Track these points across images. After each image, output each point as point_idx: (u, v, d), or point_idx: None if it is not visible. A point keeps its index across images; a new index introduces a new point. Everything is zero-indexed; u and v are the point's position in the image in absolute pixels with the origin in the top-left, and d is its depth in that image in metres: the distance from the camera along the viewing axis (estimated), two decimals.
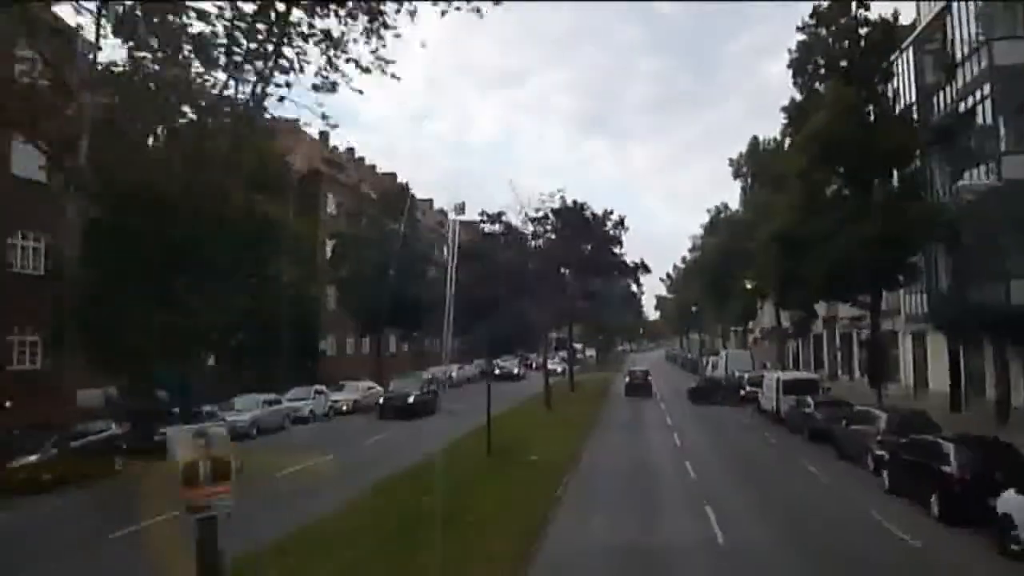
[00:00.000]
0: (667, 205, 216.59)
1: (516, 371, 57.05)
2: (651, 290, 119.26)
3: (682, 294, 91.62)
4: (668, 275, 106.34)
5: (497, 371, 52.79)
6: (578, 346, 72.71)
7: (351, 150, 70.06)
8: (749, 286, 42.43)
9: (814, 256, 23.99)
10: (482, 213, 39.60)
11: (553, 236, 38.50)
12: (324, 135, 65.35)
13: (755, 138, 46.18)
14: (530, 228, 37.46)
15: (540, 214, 37.18)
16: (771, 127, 47.99)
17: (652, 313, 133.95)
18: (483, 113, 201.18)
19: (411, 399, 33.17)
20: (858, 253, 23.22)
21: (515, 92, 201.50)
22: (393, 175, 65.32)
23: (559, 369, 55.38)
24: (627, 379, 44.94)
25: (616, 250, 43.69)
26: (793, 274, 25.57)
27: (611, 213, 43.19)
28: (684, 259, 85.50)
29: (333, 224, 50.32)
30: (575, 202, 39.38)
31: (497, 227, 37.19)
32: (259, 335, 37.49)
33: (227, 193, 10.54)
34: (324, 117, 9.98)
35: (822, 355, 49.67)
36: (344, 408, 35.39)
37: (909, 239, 23.45)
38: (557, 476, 17.97)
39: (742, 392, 35.35)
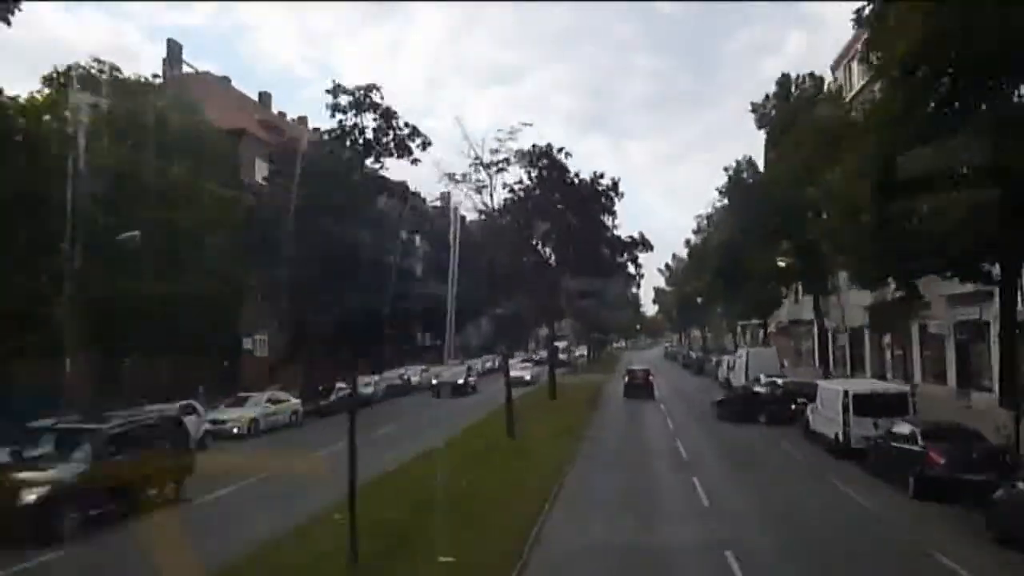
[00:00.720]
0: (666, 202, 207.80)
1: (462, 381, 41.36)
2: (648, 282, 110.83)
3: (683, 286, 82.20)
4: (667, 265, 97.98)
5: (435, 381, 41.92)
6: (560, 344, 62.07)
7: (303, 119, 61.09)
8: (782, 264, 33.09)
9: (937, 199, 14.47)
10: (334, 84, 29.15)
11: (522, 195, 28.74)
12: (264, 96, 57.22)
13: (786, 76, 36.88)
14: (484, 176, 25.97)
15: (500, 157, 25.82)
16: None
17: (650, 307, 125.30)
18: (481, 112, 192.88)
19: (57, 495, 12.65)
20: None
21: (513, 90, 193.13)
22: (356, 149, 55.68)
23: (527, 377, 43.98)
24: (626, 379, 40.47)
25: (608, 222, 34.88)
26: (893, 231, 15.81)
27: (601, 176, 34.19)
28: (688, 241, 75.98)
29: (256, 192, 40.68)
30: (550, 147, 29.71)
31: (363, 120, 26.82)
32: (147, 327, 28.38)
33: None
34: None
35: (863, 352, 40.49)
36: (235, 430, 25.84)
37: None
38: None
39: (792, 407, 25.56)
